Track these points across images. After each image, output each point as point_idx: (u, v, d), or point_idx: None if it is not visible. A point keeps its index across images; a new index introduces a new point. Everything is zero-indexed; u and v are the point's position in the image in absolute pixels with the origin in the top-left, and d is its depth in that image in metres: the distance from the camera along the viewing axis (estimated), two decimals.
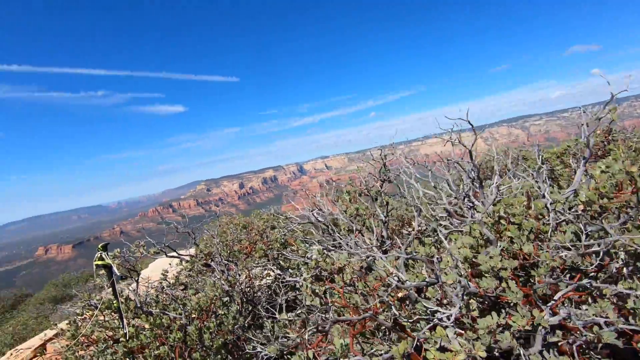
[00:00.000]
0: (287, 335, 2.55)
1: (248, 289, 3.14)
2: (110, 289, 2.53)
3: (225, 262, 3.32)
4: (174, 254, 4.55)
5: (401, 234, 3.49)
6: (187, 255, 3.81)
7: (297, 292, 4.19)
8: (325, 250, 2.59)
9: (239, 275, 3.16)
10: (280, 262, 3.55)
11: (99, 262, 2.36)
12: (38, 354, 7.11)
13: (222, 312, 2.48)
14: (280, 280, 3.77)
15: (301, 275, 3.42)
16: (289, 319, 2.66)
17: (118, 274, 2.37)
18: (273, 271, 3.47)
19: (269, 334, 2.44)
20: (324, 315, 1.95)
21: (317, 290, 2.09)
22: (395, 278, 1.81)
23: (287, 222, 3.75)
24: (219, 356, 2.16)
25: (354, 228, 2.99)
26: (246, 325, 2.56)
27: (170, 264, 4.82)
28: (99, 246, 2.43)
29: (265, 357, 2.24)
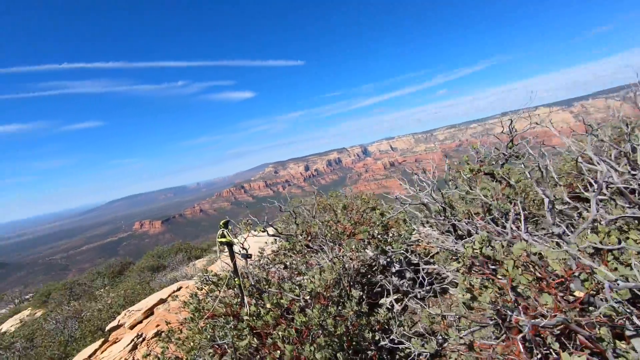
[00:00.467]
0: (439, 331, 2.34)
1: (355, 273, 3.01)
2: (225, 264, 2.53)
3: (331, 243, 3.21)
4: (269, 231, 4.59)
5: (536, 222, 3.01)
6: (286, 234, 3.80)
7: (397, 279, 3.95)
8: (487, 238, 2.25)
9: (344, 257, 3.02)
10: (382, 245, 3.33)
11: (222, 240, 2.38)
12: (148, 316, 8.02)
13: (339, 296, 2.37)
14: (380, 263, 3.56)
15: (445, 263, 3.14)
16: (440, 313, 2.43)
17: (242, 251, 2.37)
18: (376, 255, 3.28)
19: (425, 328, 2.26)
20: (509, 314, 1.65)
21: (472, 283, 1.81)
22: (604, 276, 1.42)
23: (395, 202, 3.50)
24: (342, 344, 2.04)
25: (481, 211, 2.62)
26: (362, 312, 2.41)
27: (266, 242, 4.89)
28: (221, 223, 2.45)
29: (410, 355, 2.07)
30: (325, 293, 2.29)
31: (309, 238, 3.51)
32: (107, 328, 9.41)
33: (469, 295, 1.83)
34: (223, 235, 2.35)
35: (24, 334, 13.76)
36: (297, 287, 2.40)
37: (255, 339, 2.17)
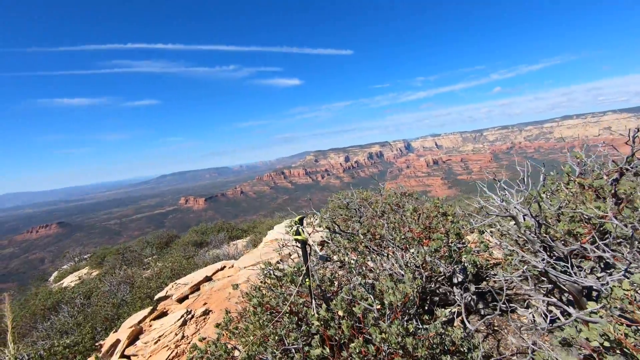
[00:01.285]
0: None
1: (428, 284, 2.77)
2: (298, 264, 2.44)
3: (400, 247, 2.98)
4: (322, 226, 4.44)
5: None
6: (349, 232, 3.62)
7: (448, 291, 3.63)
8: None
9: (415, 265, 2.79)
10: (455, 256, 3.03)
11: (297, 237, 2.24)
12: (194, 291, 8.32)
13: (416, 312, 2.16)
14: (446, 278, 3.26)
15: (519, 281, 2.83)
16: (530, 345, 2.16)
17: (319, 252, 2.23)
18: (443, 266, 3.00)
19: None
20: None
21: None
22: None
23: (476, 211, 3.20)
24: None
25: (587, 233, 2.26)
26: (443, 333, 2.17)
27: (310, 234, 4.78)
28: (296, 219, 2.31)
29: None
30: (403, 307, 2.08)
31: (373, 239, 3.30)
32: (156, 297, 9.92)
33: (600, 341, 1.53)
34: (298, 233, 2.21)
35: (82, 291, 15.05)
36: (369, 295, 2.20)
37: (326, 349, 2.03)
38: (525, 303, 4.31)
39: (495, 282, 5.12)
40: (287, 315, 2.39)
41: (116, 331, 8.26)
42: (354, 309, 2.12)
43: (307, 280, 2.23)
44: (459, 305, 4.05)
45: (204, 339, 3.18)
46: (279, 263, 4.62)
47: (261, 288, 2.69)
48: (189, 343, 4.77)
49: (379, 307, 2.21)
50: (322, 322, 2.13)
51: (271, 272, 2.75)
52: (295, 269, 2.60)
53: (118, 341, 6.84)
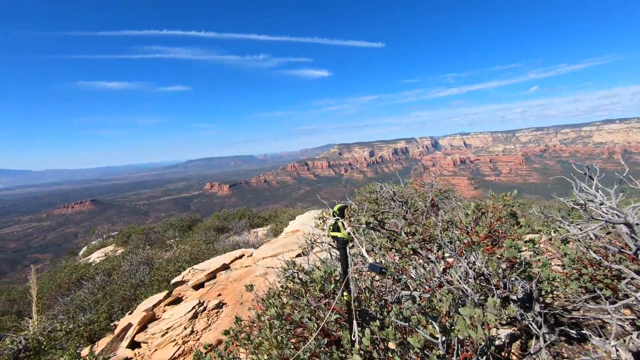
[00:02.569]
0: None
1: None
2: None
3: (455, 253, 2.34)
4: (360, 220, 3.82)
5: None
6: (390, 229, 3.00)
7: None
8: None
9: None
10: (527, 268, 2.35)
11: (336, 234, 1.66)
12: (210, 279, 7.98)
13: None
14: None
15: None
16: None
17: (368, 258, 1.63)
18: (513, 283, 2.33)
19: None
20: None
21: None
22: None
23: (535, 206, 2.53)
24: None
25: None
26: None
27: (320, 220, 4.17)
28: (335, 209, 1.70)
29: None
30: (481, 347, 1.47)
31: (422, 241, 2.67)
32: (172, 282, 9.67)
33: None
34: (337, 228, 1.62)
35: (104, 269, 15.24)
36: (431, 321, 1.59)
37: None
38: (597, 328, 3.54)
39: (553, 298, 4.34)
40: (314, 333, 1.83)
41: (131, 313, 8.05)
42: (409, 339, 1.52)
43: (345, 295, 1.64)
44: (514, 327, 3.34)
45: (210, 346, 2.67)
46: (302, 257, 4.05)
47: (281, 294, 2.14)
48: (198, 339, 4.33)
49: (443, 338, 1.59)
50: (365, 356, 1.54)
51: (295, 274, 2.19)
52: (326, 273, 2.02)
53: (130, 325, 6.55)
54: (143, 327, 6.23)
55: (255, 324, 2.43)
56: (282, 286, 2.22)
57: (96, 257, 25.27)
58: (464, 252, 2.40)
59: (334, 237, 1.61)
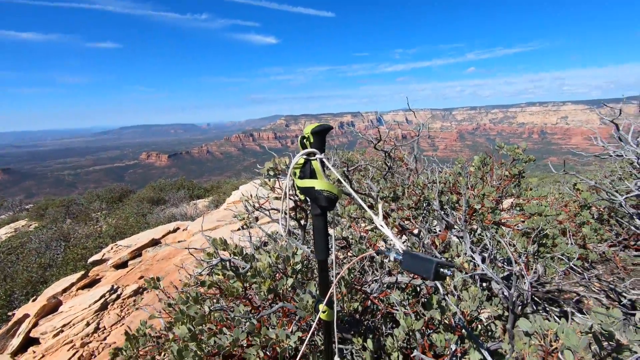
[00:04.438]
0: None
1: None
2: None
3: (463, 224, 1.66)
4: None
5: None
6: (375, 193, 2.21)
7: None
8: None
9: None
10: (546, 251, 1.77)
11: (306, 183, 0.81)
12: (135, 257, 6.79)
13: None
14: None
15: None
16: None
17: (396, 241, 0.81)
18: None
19: None
20: None
21: None
22: None
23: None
24: None
25: None
26: None
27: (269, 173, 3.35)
28: (307, 131, 0.85)
29: None
30: None
31: (411, 208, 1.96)
32: (90, 260, 8.26)
33: None
34: (309, 171, 0.77)
35: (10, 246, 12.92)
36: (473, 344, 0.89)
37: None
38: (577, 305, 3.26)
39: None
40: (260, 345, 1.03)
41: (35, 299, 6.65)
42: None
43: (322, 309, 0.81)
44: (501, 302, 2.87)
45: (119, 350, 1.75)
46: (243, 231, 3.22)
47: (204, 295, 1.26)
48: (104, 339, 3.33)
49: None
50: None
51: (228, 262, 1.30)
52: (279, 260, 1.19)
53: (26, 316, 5.24)
54: (42, 318, 4.99)
55: (162, 339, 1.57)
56: (202, 283, 1.34)
57: (3, 233, 21.85)
58: (468, 222, 1.74)
59: (303, 191, 0.79)
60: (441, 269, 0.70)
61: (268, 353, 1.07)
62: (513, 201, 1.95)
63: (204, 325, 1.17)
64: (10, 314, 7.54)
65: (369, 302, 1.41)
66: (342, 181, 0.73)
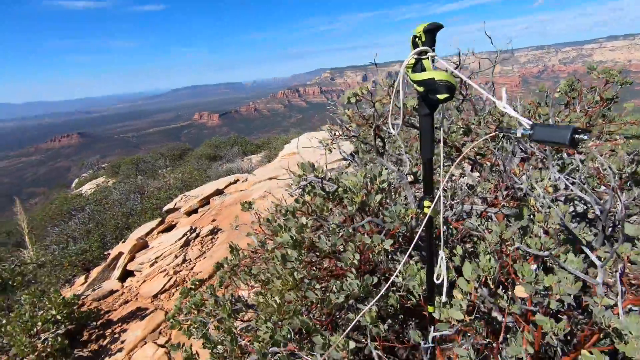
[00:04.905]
0: None
1: None
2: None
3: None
4: None
5: None
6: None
7: None
8: None
9: None
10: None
11: (420, 76, 0.85)
12: (203, 205, 7.43)
13: None
14: None
15: None
16: None
17: (522, 118, 0.83)
18: None
19: None
20: None
21: None
22: None
23: None
24: None
25: None
26: None
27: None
28: (418, 30, 0.88)
29: None
30: None
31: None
32: (165, 209, 9.16)
33: None
34: (420, 67, 0.80)
35: (96, 199, 14.75)
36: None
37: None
38: None
39: None
40: (354, 269, 1.17)
41: (124, 241, 7.65)
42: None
43: (426, 204, 0.88)
44: None
45: (201, 281, 2.04)
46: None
47: (297, 212, 1.42)
48: (191, 269, 3.82)
49: None
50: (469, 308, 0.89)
51: (316, 183, 1.43)
52: (365, 180, 1.28)
53: (121, 254, 6.09)
54: (134, 255, 5.78)
55: (258, 254, 1.80)
56: (296, 200, 1.49)
57: (88, 188, 24.82)
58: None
59: (421, 84, 0.83)
60: (577, 135, 0.70)
61: (361, 259, 1.21)
62: (604, 128, 1.81)
63: (302, 234, 1.32)
64: (105, 253, 8.80)
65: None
66: (457, 73, 0.76)
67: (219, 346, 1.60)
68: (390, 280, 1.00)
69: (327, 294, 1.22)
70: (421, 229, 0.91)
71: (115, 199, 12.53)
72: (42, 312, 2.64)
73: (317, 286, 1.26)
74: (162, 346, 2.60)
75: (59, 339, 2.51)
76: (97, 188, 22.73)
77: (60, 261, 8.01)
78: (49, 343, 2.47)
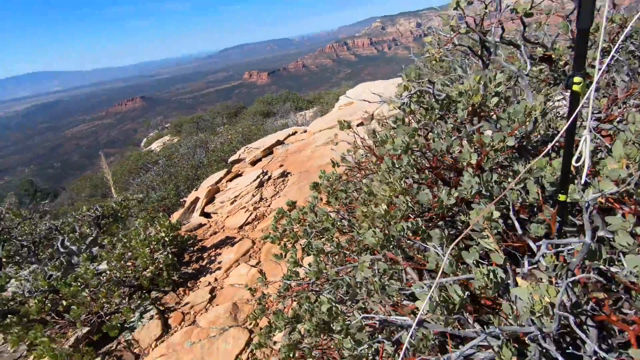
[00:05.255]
0: None
1: None
2: None
3: None
4: None
5: None
6: None
7: None
8: None
9: None
10: None
11: None
12: (267, 155, 7.77)
13: None
14: None
15: None
16: None
17: None
18: None
19: None
20: None
21: None
22: None
23: None
24: None
25: None
26: None
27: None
28: None
29: None
30: None
31: None
32: (230, 160, 9.69)
33: None
34: None
35: (165, 154, 16.06)
36: None
37: None
38: None
39: None
40: (470, 169, 1.16)
41: (197, 189, 8.32)
42: None
43: (576, 78, 0.84)
44: None
45: (293, 203, 2.19)
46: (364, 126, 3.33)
47: (413, 117, 1.41)
48: (269, 206, 4.09)
49: None
50: None
51: (433, 85, 1.39)
52: (482, 81, 1.24)
53: (197, 199, 6.67)
54: (210, 199, 6.30)
55: (353, 172, 1.87)
56: (402, 109, 1.50)
57: (156, 146, 27.02)
58: None
59: None
60: None
61: (477, 159, 1.21)
62: None
63: (414, 138, 1.35)
64: (181, 200, 9.71)
65: None
66: None
67: (320, 255, 1.75)
68: (521, 175, 1.00)
69: (438, 196, 1.25)
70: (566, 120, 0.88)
71: (183, 154, 13.53)
72: (154, 233, 3.09)
73: (427, 191, 1.30)
74: (253, 267, 2.91)
75: (170, 256, 2.92)
76: (164, 145, 24.65)
77: (144, 206, 8.98)
78: (162, 259, 2.88)
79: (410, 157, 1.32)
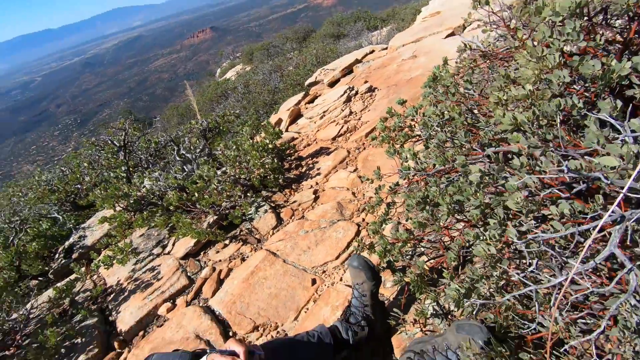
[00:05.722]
0: None
1: None
2: None
3: None
4: None
5: None
6: None
7: None
8: None
9: None
10: None
11: None
12: (346, 74, 7.56)
13: None
14: None
15: None
16: None
17: None
18: None
19: None
20: None
21: None
22: None
23: None
24: None
25: None
26: None
27: None
28: None
29: None
30: None
31: None
32: (306, 83, 9.64)
33: None
34: None
35: (242, 81, 16.57)
36: None
37: None
38: None
39: None
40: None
41: (276, 113, 8.59)
42: None
43: None
44: None
45: (404, 101, 2.14)
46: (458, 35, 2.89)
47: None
48: (359, 119, 4.08)
49: None
50: None
51: None
52: None
53: (280, 120, 6.91)
54: (293, 120, 6.48)
55: (486, 58, 1.72)
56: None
57: (230, 75, 27.91)
58: None
59: None
60: None
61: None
62: None
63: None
64: (261, 124, 10.18)
65: None
66: None
67: (445, 144, 1.73)
68: None
69: (609, 67, 1.10)
70: None
71: (259, 79, 13.81)
72: (260, 138, 3.37)
73: (596, 61, 1.14)
74: (352, 172, 3.03)
75: (275, 160, 3.17)
76: (237, 74, 25.32)
77: (242, 121, 9.59)
78: (269, 163, 3.15)
79: (577, 23, 1.15)
